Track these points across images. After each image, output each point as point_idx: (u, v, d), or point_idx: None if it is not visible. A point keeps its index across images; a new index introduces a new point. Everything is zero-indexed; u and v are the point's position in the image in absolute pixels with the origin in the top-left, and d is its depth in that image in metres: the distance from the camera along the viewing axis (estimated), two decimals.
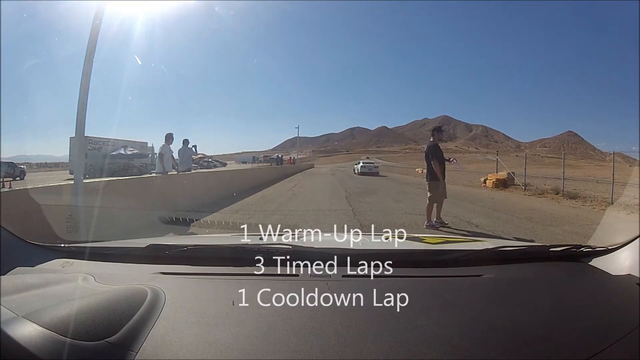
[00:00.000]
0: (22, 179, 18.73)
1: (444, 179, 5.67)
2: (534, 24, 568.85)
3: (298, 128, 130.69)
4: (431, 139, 5.82)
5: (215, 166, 38.40)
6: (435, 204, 5.64)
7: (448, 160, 5.85)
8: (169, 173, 7.49)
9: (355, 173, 24.50)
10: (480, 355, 0.66)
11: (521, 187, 12.41)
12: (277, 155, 61.69)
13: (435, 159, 5.54)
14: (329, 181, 17.29)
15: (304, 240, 1.45)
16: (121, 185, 5.84)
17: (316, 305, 0.82)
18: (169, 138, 7.54)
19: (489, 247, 1.24)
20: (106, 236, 2.51)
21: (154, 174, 8.16)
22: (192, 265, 1.08)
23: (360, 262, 1.09)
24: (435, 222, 5.55)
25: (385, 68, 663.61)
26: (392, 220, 6.15)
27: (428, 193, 5.63)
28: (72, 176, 6.84)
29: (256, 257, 1.09)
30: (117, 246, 1.31)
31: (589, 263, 1.12)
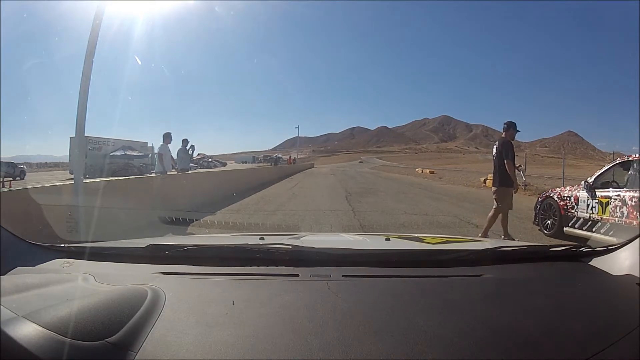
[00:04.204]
0: (22, 179, 18.72)
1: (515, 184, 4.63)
2: (534, 24, 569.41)
3: (298, 128, 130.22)
4: (503, 135, 4.80)
5: (215, 166, 38.43)
6: (500, 216, 4.61)
7: (517, 167, 4.82)
8: (168, 173, 7.49)
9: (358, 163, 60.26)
10: (480, 355, 0.66)
11: (521, 187, 12.40)
12: (276, 156, 61.95)
13: (510, 158, 4.52)
14: (329, 181, 17.30)
15: (304, 240, 1.45)
16: (121, 185, 5.84)
17: (316, 305, 0.82)
18: (167, 137, 7.52)
19: (489, 247, 1.24)
20: (106, 236, 2.51)
21: (153, 174, 8.15)
22: (192, 265, 1.08)
23: (360, 262, 1.09)
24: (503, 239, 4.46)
25: (385, 68, 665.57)
26: (392, 221, 6.15)
27: (496, 202, 4.60)
28: (72, 176, 6.85)
29: (256, 257, 1.09)
30: (117, 246, 1.30)
31: (589, 263, 1.12)
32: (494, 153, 4.74)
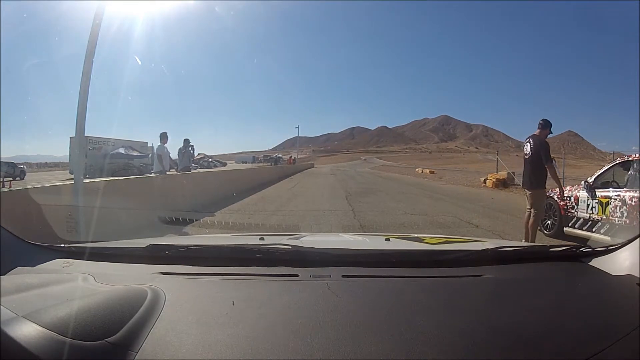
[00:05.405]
0: (22, 179, 18.71)
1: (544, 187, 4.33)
2: (534, 24, 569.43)
3: (298, 128, 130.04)
4: (537, 132, 4.36)
5: (215, 166, 38.41)
6: (530, 224, 4.27)
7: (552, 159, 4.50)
8: (168, 173, 7.49)
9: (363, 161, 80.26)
10: (480, 355, 0.66)
11: (521, 187, 12.40)
12: (276, 156, 62.20)
13: (551, 163, 4.23)
14: (329, 181, 17.30)
15: (304, 240, 1.45)
16: (121, 185, 5.84)
17: (316, 305, 0.82)
18: (164, 137, 7.49)
19: (489, 247, 1.24)
20: (106, 236, 2.51)
21: (153, 174, 8.14)
22: (192, 265, 1.08)
23: (360, 262, 1.09)
24: None
25: (386, 68, 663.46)
26: (392, 221, 6.15)
27: (531, 209, 4.27)
28: (72, 176, 6.85)
29: (256, 257, 1.09)
30: (117, 246, 1.31)
31: (589, 263, 1.12)
32: (527, 152, 4.35)
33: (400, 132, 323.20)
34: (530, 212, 4.30)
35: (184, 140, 8.64)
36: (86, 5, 6.79)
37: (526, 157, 4.37)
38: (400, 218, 6.38)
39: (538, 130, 4.42)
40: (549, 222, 5.22)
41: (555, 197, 5.18)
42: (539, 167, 4.24)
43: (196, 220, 5.24)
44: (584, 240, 4.29)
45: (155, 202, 5.77)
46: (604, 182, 4.74)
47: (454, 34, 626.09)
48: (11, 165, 19.67)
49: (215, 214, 6.57)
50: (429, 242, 1.57)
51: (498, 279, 1.02)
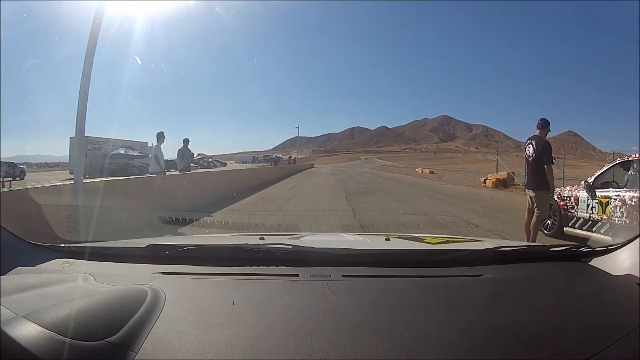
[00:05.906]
0: (22, 179, 18.72)
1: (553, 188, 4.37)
2: (534, 24, 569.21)
3: (298, 128, 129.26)
4: (537, 133, 4.41)
5: (215, 166, 38.44)
6: (532, 226, 4.30)
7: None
8: (167, 173, 7.49)
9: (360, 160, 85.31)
10: (480, 355, 0.66)
11: (521, 187, 12.41)
12: (276, 156, 62.39)
13: (552, 163, 4.31)
14: (329, 181, 17.30)
15: (304, 240, 1.45)
16: (121, 185, 5.84)
17: (316, 305, 0.82)
18: (160, 137, 7.46)
19: (489, 247, 1.24)
20: (106, 236, 2.51)
21: (152, 174, 8.15)
22: (192, 265, 1.08)
23: (360, 262, 1.09)
24: None
25: (386, 68, 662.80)
26: (392, 220, 6.15)
27: (535, 209, 4.31)
28: (72, 176, 6.85)
29: (256, 257, 1.09)
30: (117, 246, 1.31)
31: (589, 263, 1.12)
32: (529, 153, 4.36)
33: (400, 132, 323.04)
34: (533, 212, 4.32)
35: (184, 140, 8.64)
36: (86, 5, 6.81)
37: (529, 158, 4.38)
38: (400, 218, 6.38)
39: (538, 130, 4.43)
40: (549, 222, 5.22)
41: (555, 196, 5.18)
42: (543, 168, 4.26)
43: (196, 220, 5.24)
44: (584, 240, 4.30)
45: (155, 202, 5.77)
46: (604, 182, 4.75)
47: (454, 34, 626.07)
48: (11, 165, 19.68)
49: (215, 214, 6.57)
50: (429, 242, 1.57)
51: (498, 279, 1.02)
